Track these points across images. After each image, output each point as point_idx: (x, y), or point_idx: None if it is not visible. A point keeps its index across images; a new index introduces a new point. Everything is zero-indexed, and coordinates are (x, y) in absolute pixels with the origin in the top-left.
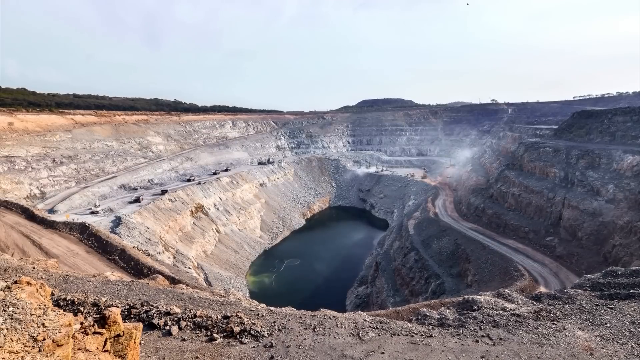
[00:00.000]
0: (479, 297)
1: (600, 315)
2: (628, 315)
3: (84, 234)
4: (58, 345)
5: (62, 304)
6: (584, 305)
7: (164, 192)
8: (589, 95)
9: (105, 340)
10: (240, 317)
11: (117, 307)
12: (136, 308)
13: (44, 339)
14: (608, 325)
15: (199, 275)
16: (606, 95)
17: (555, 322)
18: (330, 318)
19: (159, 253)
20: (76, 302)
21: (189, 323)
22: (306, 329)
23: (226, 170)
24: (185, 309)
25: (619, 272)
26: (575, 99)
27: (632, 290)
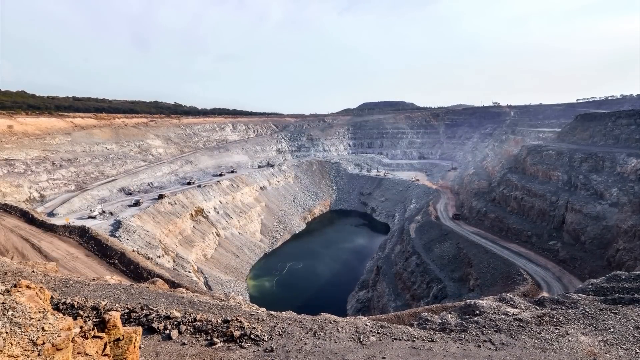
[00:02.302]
0: (481, 301)
1: (604, 320)
2: (632, 320)
3: (83, 237)
4: (57, 349)
5: (61, 307)
6: (588, 310)
7: (161, 196)
8: (593, 97)
9: (105, 344)
10: (241, 322)
11: (116, 311)
12: (136, 312)
13: (44, 343)
14: (612, 330)
15: (199, 279)
16: (610, 98)
17: (558, 327)
18: (331, 322)
19: (159, 257)
20: (76, 306)
21: (188, 327)
22: (307, 333)
23: (232, 172)
24: (185, 313)
25: (623, 277)
26: (579, 101)
27: (636, 295)
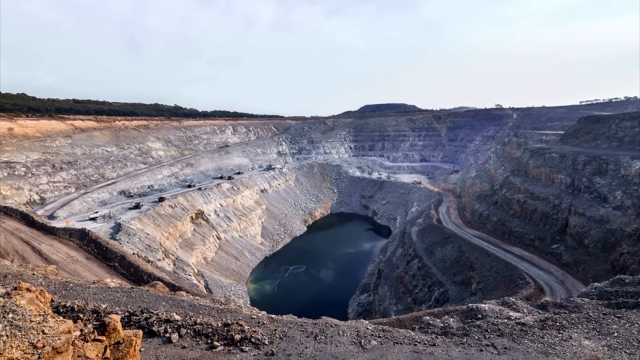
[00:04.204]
0: (483, 305)
1: (608, 325)
2: (636, 325)
3: (83, 240)
4: (58, 352)
5: (61, 310)
6: (591, 314)
7: (161, 199)
8: (596, 100)
9: (105, 348)
10: (241, 325)
11: (117, 314)
12: (136, 315)
13: (44, 346)
14: (616, 334)
15: (199, 282)
16: (613, 100)
17: (561, 332)
18: (332, 326)
19: (159, 260)
20: (76, 309)
21: (189, 330)
22: (308, 337)
23: (239, 173)
24: (186, 316)
25: (627, 281)
26: (582, 103)
27: None
